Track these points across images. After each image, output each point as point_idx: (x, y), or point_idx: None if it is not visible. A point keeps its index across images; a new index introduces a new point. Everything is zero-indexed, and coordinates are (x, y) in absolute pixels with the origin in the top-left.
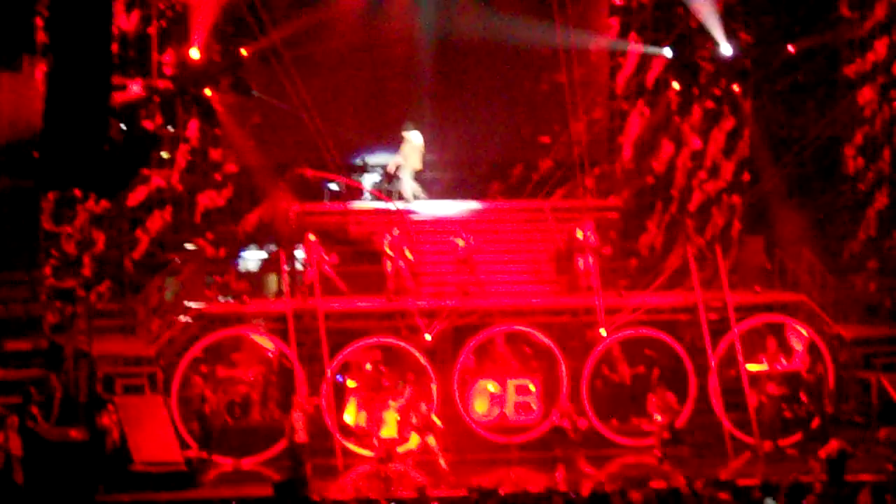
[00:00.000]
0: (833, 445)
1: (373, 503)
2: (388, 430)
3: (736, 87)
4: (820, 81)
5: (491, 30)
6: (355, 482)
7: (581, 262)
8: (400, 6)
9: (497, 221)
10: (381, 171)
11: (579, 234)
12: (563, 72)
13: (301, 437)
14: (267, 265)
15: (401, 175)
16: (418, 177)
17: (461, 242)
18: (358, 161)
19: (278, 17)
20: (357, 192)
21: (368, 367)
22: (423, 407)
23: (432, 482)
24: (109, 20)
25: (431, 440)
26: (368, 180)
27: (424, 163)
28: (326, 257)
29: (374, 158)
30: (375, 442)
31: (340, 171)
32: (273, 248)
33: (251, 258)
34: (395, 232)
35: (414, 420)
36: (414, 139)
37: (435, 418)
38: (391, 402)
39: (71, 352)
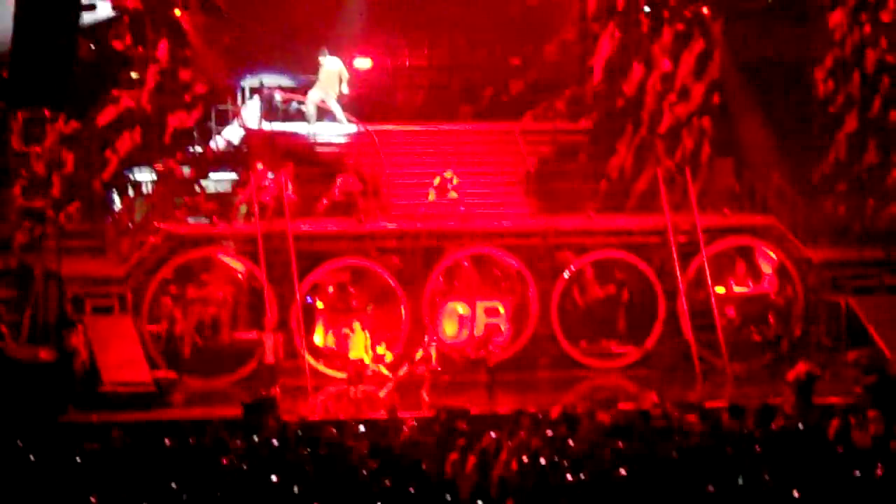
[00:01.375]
0: (801, 368)
1: (343, 424)
2: (357, 352)
3: (706, 10)
4: (790, 4)
5: None
6: (325, 403)
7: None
8: None
9: (466, 143)
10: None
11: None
12: None
13: (270, 357)
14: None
15: (306, 99)
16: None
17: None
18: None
19: None
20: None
21: (333, 288)
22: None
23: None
24: None
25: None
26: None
27: (400, 85)
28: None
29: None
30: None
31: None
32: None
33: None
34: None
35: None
36: (328, 65)
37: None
38: (359, 324)
39: (40, 272)
